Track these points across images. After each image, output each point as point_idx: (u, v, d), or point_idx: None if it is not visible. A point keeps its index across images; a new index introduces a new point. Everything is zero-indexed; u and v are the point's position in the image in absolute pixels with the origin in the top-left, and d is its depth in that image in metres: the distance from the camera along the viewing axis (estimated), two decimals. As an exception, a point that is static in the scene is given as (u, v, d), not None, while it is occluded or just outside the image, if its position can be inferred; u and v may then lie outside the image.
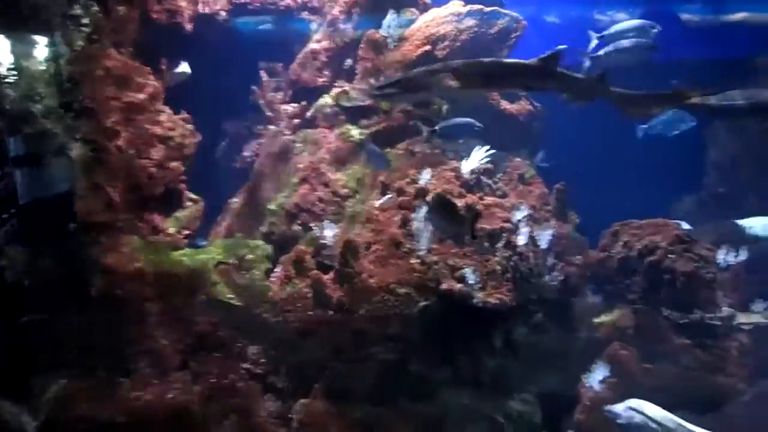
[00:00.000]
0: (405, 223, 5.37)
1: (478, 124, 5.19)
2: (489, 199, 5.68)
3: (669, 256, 5.41)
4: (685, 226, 5.99)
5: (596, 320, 5.59)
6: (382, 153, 5.38)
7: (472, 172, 5.80)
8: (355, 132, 6.14)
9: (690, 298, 5.29)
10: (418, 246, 5.21)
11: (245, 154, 7.21)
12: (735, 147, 7.85)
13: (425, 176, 5.41)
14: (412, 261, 5.16)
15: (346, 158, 6.13)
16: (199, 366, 5.07)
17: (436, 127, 5.13)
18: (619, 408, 4.50)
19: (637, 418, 4.44)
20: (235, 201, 6.46)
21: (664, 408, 5.09)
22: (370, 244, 5.36)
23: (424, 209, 5.15)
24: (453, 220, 4.42)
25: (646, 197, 6.96)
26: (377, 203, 5.52)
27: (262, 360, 5.22)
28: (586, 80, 4.05)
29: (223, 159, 7.38)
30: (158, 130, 5.23)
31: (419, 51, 6.08)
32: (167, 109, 5.38)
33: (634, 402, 4.54)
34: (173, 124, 5.36)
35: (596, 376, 5.10)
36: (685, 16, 8.41)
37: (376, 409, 4.89)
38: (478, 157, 5.75)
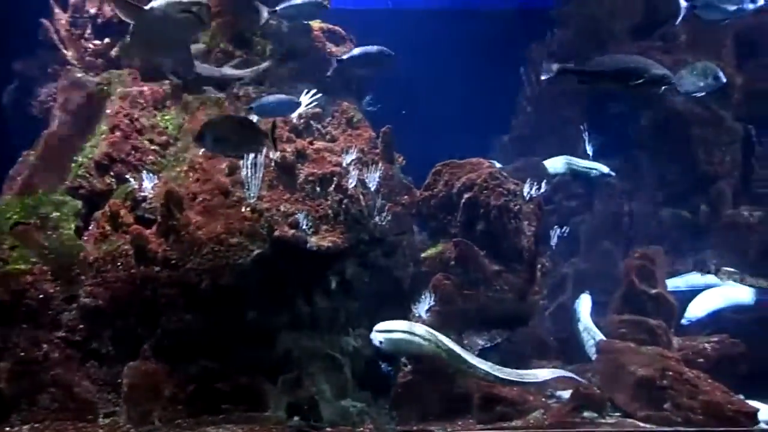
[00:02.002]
0: (232, 170, 5.16)
1: None
2: (319, 144, 5.66)
3: (483, 192, 5.88)
4: (497, 164, 6.56)
5: (423, 255, 5.95)
6: (280, 99, 5.06)
7: (301, 116, 5.73)
8: (172, 74, 5.68)
9: (501, 228, 5.85)
10: (247, 194, 5.05)
11: (41, 98, 6.33)
12: (534, 93, 8.70)
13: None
14: (243, 209, 5.01)
15: (163, 102, 5.66)
16: (3, 340, 4.60)
17: None
18: (372, 335, 5.00)
19: (380, 336, 4.98)
20: (32, 152, 5.66)
21: (482, 328, 5.68)
22: (195, 194, 5.09)
23: (251, 155, 4.99)
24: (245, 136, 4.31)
25: (467, 138, 7.47)
26: (201, 150, 5.22)
27: (80, 326, 4.80)
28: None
29: (12, 104, 6.40)
30: None
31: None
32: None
33: (379, 325, 5.07)
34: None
35: (423, 306, 5.50)
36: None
37: (213, 362, 4.77)
38: (305, 101, 5.67)
